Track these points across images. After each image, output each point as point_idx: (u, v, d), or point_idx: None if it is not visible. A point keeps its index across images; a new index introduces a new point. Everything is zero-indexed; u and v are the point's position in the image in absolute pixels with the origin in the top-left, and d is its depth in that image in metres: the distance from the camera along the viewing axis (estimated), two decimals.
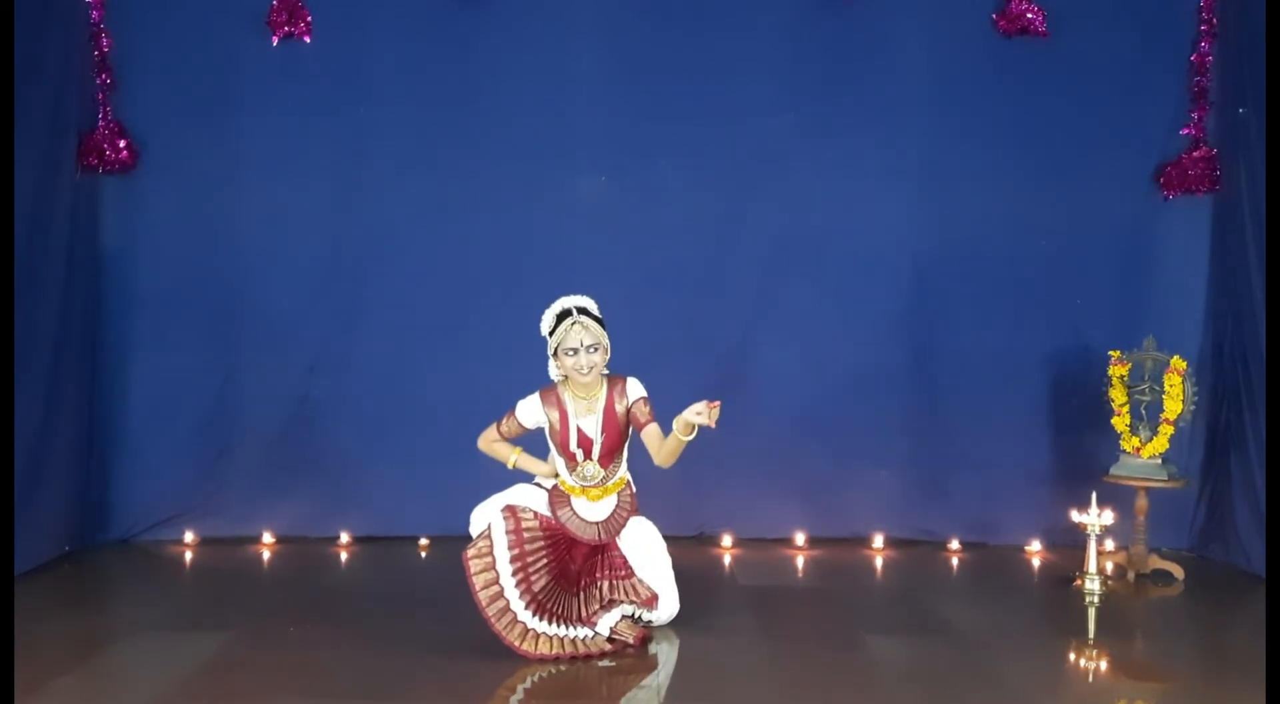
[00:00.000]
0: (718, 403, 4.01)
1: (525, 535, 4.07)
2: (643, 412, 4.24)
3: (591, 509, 4.24)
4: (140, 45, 5.67)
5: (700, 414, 3.99)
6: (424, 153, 5.79)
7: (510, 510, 4.08)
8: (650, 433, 4.22)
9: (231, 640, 4.15)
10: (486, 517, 4.13)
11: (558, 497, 4.24)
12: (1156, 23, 5.80)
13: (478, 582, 3.97)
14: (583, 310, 4.17)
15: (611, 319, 4.28)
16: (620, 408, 4.24)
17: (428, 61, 5.78)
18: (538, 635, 3.95)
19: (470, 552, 4.01)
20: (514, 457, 4.35)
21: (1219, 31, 5.72)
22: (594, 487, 4.24)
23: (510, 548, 4.01)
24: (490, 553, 4.00)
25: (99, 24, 5.61)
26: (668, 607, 4.26)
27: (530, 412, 4.27)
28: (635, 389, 4.27)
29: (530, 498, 4.24)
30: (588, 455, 4.22)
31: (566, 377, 4.24)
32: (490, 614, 3.94)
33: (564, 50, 5.82)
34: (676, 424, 4.08)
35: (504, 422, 4.34)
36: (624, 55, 5.83)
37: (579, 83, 5.83)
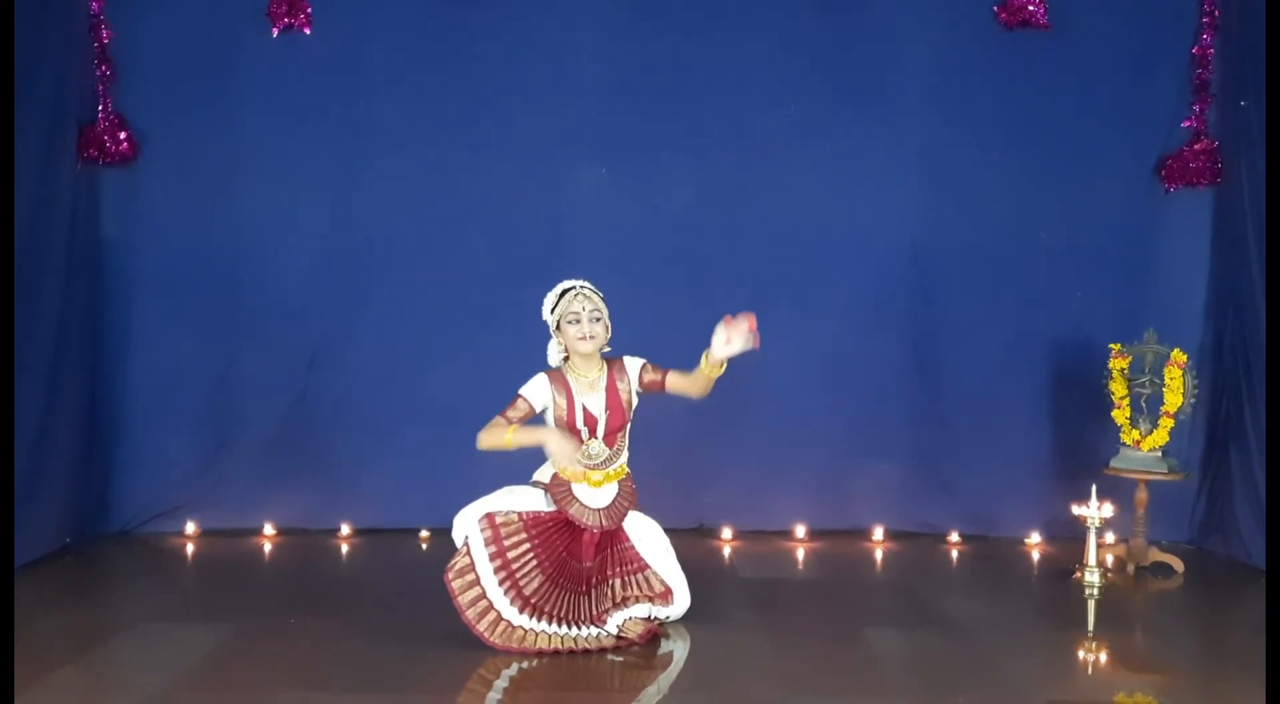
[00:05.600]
0: (750, 317, 3.91)
1: (506, 542, 4.04)
2: (653, 371, 4.25)
3: (593, 495, 4.22)
4: (140, 37, 5.66)
5: (731, 343, 3.93)
6: (424, 146, 5.78)
7: (488, 519, 4.05)
8: (674, 380, 4.21)
9: (232, 632, 4.15)
10: (465, 527, 4.08)
11: (558, 484, 4.24)
12: (1158, 15, 5.80)
13: (463, 600, 3.97)
14: (584, 285, 4.23)
15: (612, 313, 4.27)
16: (622, 386, 4.24)
17: (428, 54, 5.77)
18: (536, 634, 3.95)
19: (451, 572, 4.00)
20: (508, 435, 4.07)
21: (1220, 24, 5.72)
22: (598, 467, 4.22)
23: (492, 559, 4.00)
24: (472, 570, 3.99)
25: (98, 15, 5.60)
26: (682, 600, 4.26)
27: (539, 391, 4.18)
28: (633, 363, 4.29)
29: (517, 498, 4.18)
30: (593, 434, 4.21)
31: (568, 359, 4.25)
32: (482, 629, 3.94)
33: (565, 44, 5.81)
34: (707, 363, 4.03)
35: (509, 410, 4.16)
36: (625, 50, 5.82)
37: (580, 77, 5.82)
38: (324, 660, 3.88)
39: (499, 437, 4.10)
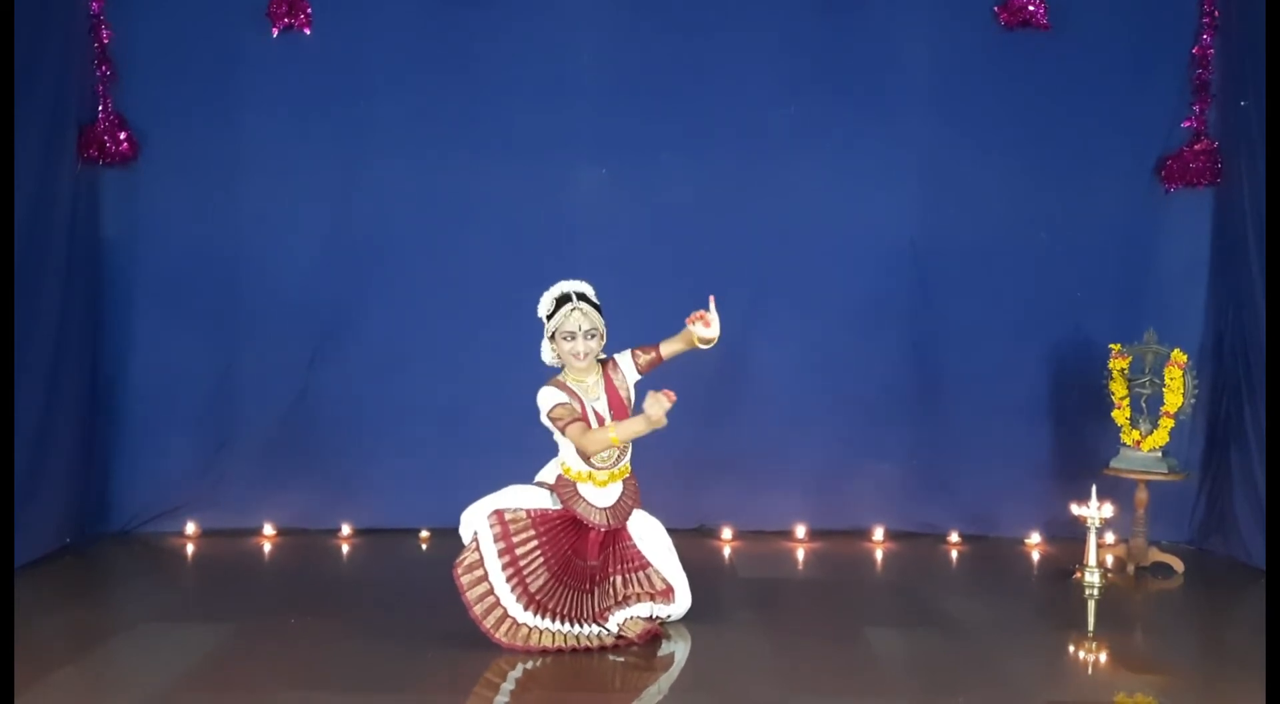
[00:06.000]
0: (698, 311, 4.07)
1: (515, 539, 4.04)
2: (645, 352, 4.24)
3: (599, 494, 4.22)
4: (140, 37, 5.66)
5: (711, 326, 4.03)
6: (424, 146, 5.78)
7: (497, 515, 4.06)
8: (667, 349, 4.23)
9: (232, 632, 4.15)
10: (474, 523, 4.09)
11: (563, 484, 4.24)
12: (1158, 15, 5.80)
13: (471, 596, 3.98)
14: (581, 296, 4.16)
15: (611, 311, 4.27)
16: (619, 383, 4.24)
17: (428, 54, 5.76)
18: (540, 632, 3.97)
19: (460, 568, 4.01)
20: (612, 434, 4.04)
21: (1220, 24, 5.72)
22: (607, 468, 4.21)
23: (501, 555, 4.01)
24: (481, 566, 4.00)
25: (98, 16, 5.60)
26: (683, 599, 4.27)
27: (564, 395, 4.14)
28: (624, 358, 4.27)
29: (524, 497, 4.19)
30: None
31: (561, 362, 4.24)
32: (488, 626, 3.95)
33: (565, 44, 5.81)
34: (697, 340, 4.09)
35: (573, 415, 4.08)
36: (625, 50, 5.82)
37: (580, 77, 5.82)
38: (324, 660, 3.88)
39: (605, 437, 4.06)
